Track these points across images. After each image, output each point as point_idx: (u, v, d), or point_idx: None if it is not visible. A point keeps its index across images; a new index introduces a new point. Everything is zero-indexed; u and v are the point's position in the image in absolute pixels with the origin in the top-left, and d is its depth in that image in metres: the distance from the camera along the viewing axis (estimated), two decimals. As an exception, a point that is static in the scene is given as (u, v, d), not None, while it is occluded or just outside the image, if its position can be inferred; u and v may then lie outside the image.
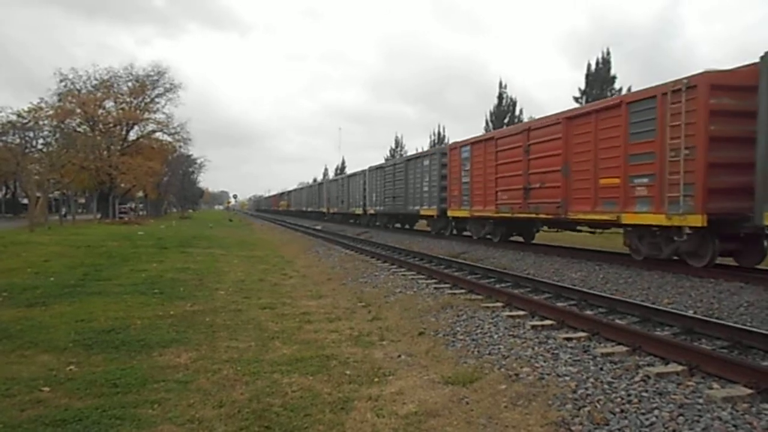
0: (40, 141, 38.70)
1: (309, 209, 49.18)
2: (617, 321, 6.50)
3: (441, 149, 20.40)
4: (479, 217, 16.57)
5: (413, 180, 22.32)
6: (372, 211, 28.71)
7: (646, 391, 4.12)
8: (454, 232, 19.90)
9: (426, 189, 20.88)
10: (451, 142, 19.59)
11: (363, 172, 31.14)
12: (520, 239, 16.60)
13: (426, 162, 21.08)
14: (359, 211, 31.41)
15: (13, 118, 36.08)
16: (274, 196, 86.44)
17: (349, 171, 54.93)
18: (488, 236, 16.72)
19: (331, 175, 78.54)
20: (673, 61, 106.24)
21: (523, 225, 15.85)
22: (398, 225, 27.22)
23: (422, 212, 21.40)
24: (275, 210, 77.18)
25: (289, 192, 67.61)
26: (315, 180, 79.59)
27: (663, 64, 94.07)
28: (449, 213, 18.64)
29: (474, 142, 16.74)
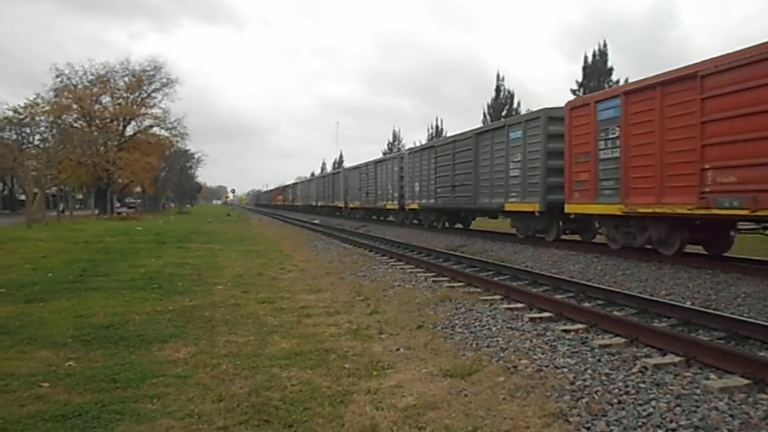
0: (37, 137, 38.69)
1: (320, 203, 42.26)
2: (615, 313, 6.52)
3: (546, 112, 13.41)
4: (646, 215, 10.07)
5: (489, 162, 15.75)
6: (414, 206, 22.21)
7: (644, 382, 4.14)
8: (561, 236, 13.79)
9: (516, 173, 14.26)
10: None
11: (399, 155, 25.74)
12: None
13: (516, 133, 14.33)
14: (392, 205, 25.18)
15: (10, 113, 36.05)
16: (276, 189, 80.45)
17: (347, 165, 53.14)
18: (649, 245, 10.64)
19: (329, 169, 77.06)
20: (668, 52, 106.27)
21: (716, 228, 10.11)
22: (455, 224, 20.74)
23: (509, 207, 14.67)
24: (277, 205, 71.72)
25: (295, 184, 61.76)
26: (313, 174, 78.43)
27: (659, 55, 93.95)
28: (568, 207, 12.16)
29: (633, 90, 10.24)
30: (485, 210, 17.06)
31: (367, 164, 30.31)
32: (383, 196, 26.78)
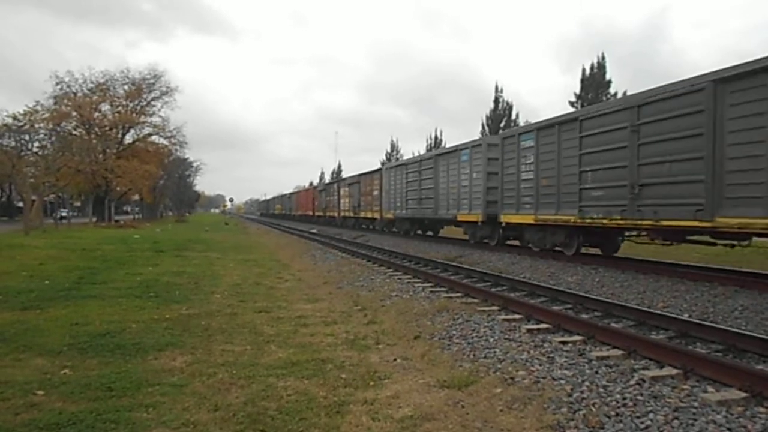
0: (36, 144, 38.53)
1: (442, 212, 19.27)
2: (612, 325, 6.51)
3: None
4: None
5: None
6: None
7: (641, 395, 4.13)
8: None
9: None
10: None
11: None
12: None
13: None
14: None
15: (9, 120, 35.98)
16: (306, 190, 53.55)
17: (344, 175, 49.05)
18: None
19: (327, 178, 74.86)
20: (661, 67, 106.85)
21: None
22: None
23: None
24: (304, 215, 47.41)
25: (362, 176, 30.16)
26: (311, 184, 76.86)
27: (652, 69, 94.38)
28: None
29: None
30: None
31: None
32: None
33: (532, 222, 13.43)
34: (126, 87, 42.83)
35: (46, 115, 37.87)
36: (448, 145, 26.63)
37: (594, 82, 35.20)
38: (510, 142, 14.50)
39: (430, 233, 23.21)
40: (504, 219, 14.82)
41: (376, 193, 27.28)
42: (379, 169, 27.94)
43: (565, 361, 5.06)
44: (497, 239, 16.22)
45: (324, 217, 39.71)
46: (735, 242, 9.50)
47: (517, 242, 15.71)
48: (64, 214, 39.85)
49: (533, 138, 13.34)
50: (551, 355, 5.29)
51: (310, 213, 44.43)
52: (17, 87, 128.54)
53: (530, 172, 13.44)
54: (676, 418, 3.70)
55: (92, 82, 41.06)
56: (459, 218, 17.54)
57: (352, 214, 31.82)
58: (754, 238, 9.37)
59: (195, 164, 69.06)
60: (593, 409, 3.91)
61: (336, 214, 35.70)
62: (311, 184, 75.60)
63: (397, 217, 23.72)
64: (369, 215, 28.51)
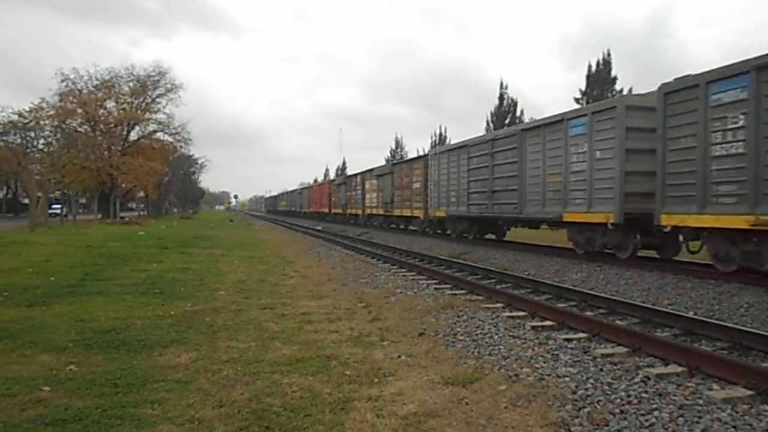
0: (41, 141, 38.74)
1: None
2: (617, 322, 6.50)
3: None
4: None
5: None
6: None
7: (646, 392, 4.12)
8: None
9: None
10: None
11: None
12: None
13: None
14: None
15: (15, 117, 36.11)
16: (321, 184, 46.82)
17: (350, 172, 49.24)
18: None
19: (332, 176, 74.50)
20: (666, 63, 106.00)
21: None
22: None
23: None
24: (318, 212, 41.65)
25: (396, 165, 25.83)
26: (315, 180, 76.58)
27: (656, 66, 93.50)
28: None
29: None
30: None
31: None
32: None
33: (743, 226, 7.99)
34: (131, 84, 42.95)
35: (52, 112, 37.97)
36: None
37: (600, 78, 35.12)
38: (683, 98, 9.07)
39: (491, 236, 18.17)
40: (667, 221, 9.46)
41: (417, 185, 21.71)
42: (422, 156, 23.30)
43: (569, 359, 5.05)
44: (631, 250, 11.09)
45: (343, 215, 34.05)
46: None
47: (654, 253, 11.72)
48: (61, 211, 38.38)
49: (746, 86, 7.93)
50: (556, 352, 5.29)
51: (326, 210, 39.32)
52: (21, 85, 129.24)
53: (737, 144, 8.13)
54: (681, 415, 3.69)
55: (97, 80, 41.19)
56: (567, 218, 12.14)
57: (381, 212, 26.17)
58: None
59: (200, 161, 69.31)
60: (598, 407, 3.91)
61: (360, 212, 30.15)
62: (315, 180, 75.39)
63: (450, 215, 18.36)
64: (407, 213, 22.98)
